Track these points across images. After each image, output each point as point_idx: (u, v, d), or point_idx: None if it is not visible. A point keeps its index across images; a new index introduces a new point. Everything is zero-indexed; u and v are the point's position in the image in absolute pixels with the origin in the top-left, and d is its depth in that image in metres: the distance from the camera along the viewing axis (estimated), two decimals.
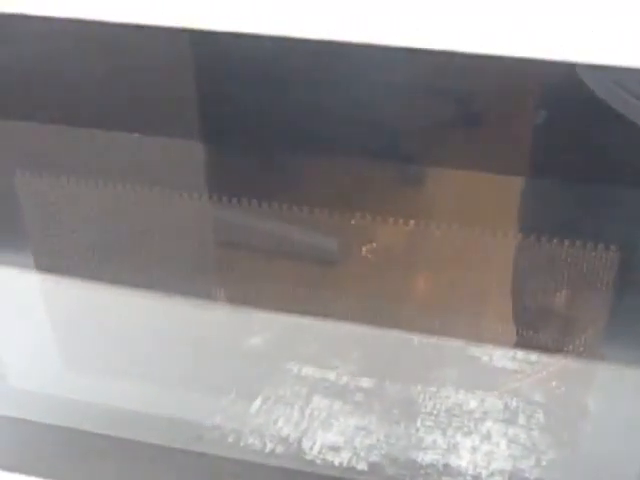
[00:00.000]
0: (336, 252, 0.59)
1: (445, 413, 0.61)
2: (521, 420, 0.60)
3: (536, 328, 0.57)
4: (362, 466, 0.63)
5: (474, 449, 0.61)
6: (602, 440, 0.59)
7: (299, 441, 0.64)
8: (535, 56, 0.42)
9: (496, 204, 0.52)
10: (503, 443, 0.61)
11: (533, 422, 0.60)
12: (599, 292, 0.52)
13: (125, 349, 0.68)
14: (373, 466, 0.63)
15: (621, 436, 0.57)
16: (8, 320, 0.70)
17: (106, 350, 0.69)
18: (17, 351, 0.71)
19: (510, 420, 0.60)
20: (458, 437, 0.62)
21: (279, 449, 0.65)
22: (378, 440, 0.63)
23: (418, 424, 0.62)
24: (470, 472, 0.61)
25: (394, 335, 0.60)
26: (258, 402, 0.65)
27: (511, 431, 0.60)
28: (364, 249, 0.58)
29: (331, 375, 0.64)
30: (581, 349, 0.56)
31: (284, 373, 0.64)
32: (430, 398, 0.62)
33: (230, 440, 0.65)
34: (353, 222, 0.54)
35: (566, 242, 0.50)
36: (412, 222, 0.53)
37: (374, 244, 0.57)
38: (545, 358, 0.58)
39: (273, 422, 0.65)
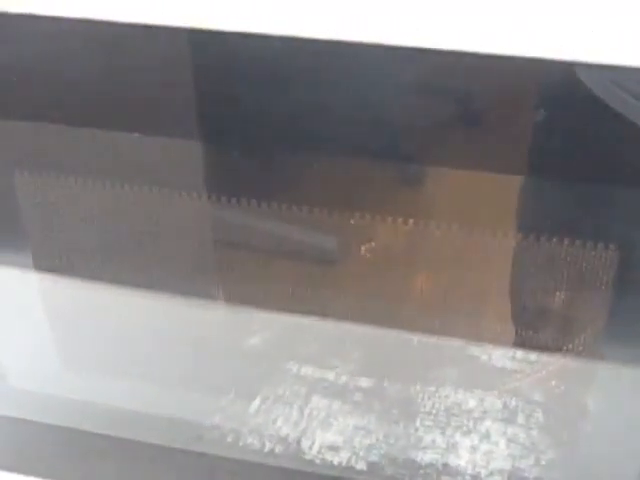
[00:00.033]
0: (335, 252, 0.59)
1: (444, 413, 0.61)
2: (520, 419, 0.60)
3: (535, 327, 0.57)
4: (361, 466, 0.63)
5: (473, 448, 0.61)
6: (601, 439, 0.59)
7: (298, 441, 0.64)
8: (534, 55, 0.42)
9: (495, 204, 0.52)
10: (502, 442, 0.61)
11: (532, 421, 0.60)
12: (598, 291, 0.52)
13: (124, 349, 0.68)
14: (372, 466, 0.63)
15: (620, 435, 0.57)
16: (7, 320, 0.70)
17: (105, 350, 0.69)
18: (16, 351, 0.71)
19: (509, 419, 0.60)
20: (457, 436, 0.62)
21: (278, 449, 0.65)
22: (377, 440, 0.63)
23: (417, 424, 0.62)
24: (469, 471, 0.61)
25: (393, 335, 0.60)
26: (257, 402, 0.65)
27: (510, 430, 0.60)
28: (363, 249, 0.58)
29: (330, 375, 0.64)
30: (580, 348, 0.56)
31: (283, 373, 0.64)
32: (429, 398, 0.62)
33: (229, 440, 0.65)
34: (352, 222, 0.54)
35: (565, 241, 0.50)
36: (411, 222, 0.53)
37: (373, 244, 0.57)
38: (544, 357, 0.58)
39: (272, 422, 0.65)
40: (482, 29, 0.42)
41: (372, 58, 0.46)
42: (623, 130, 0.44)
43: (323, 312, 0.60)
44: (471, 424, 0.61)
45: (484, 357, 0.59)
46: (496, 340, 0.58)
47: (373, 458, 0.63)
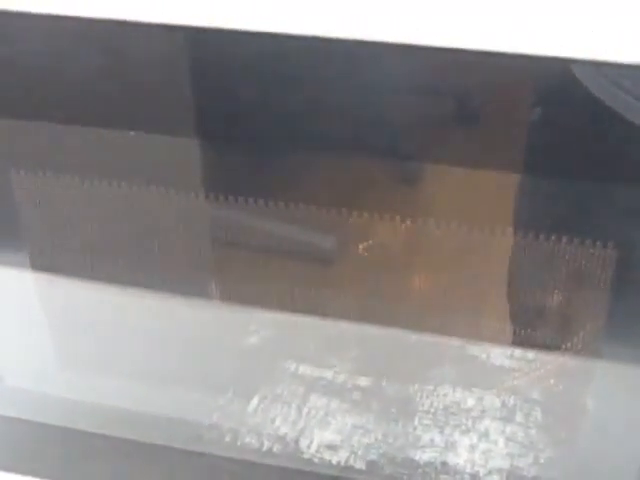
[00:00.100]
0: (334, 250, 0.59)
1: (443, 411, 0.61)
2: (519, 418, 0.60)
3: (534, 326, 0.57)
4: (360, 465, 0.63)
5: (472, 447, 0.61)
6: (600, 438, 0.59)
7: (296, 440, 0.64)
8: (533, 52, 0.42)
9: (494, 202, 0.52)
10: (501, 441, 0.61)
11: (531, 420, 0.60)
12: (596, 290, 0.52)
13: (121, 348, 0.68)
14: (371, 465, 0.63)
15: (618, 433, 0.57)
16: (3, 319, 0.70)
17: (103, 349, 0.68)
18: (13, 350, 0.71)
19: (508, 418, 0.60)
20: (456, 435, 0.62)
21: (277, 448, 0.65)
22: (376, 439, 0.63)
23: (416, 422, 0.62)
24: (468, 470, 0.61)
25: (391, 333, 0.60)
26: (256, 401, 0.65)
27: (509, 429, 0.60)
28: (361, 247, 0.57)
29: (329, 374, 0.64)
30: (579, 347, 0.56)
31: (282, 372, 0.64)
32: (428, 396, 0.62)
33: (227, 439, 0.65)
34: (350, 220, 0.54)
35: (563, 240, 0.50)
36: (409, 220, 0.53)
37: (371, 242, 0.57)
38: (543, 356, 0.58)
39: (271, 421, 0.65)
40: (479, 26, 0.42)
41: (369, 56, 0.46)
42: (620, 128, 0.44)
43: (321, 311, 0.60)
44: (470, 423, 0.61)
45: (483, 356, 0.59)
46: (494, 339, 0.58)
47: (372, 457, 0.63)
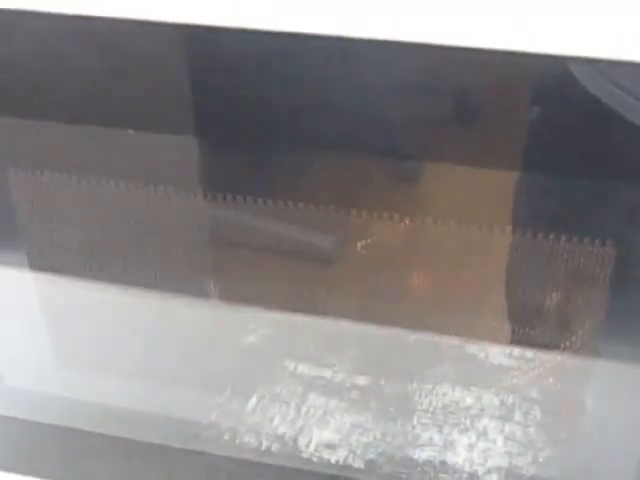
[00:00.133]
0: (333, 250, 0.59)
1: (441, 410, 0.61)
2: (518, 417, 0.60)
3: (532, 325, 0.57)
4: (358, 464, 0.63)
5: (470, 446, 0.61)
6: (598, 437, 0.59)
7: (295, 439, 0.64)
8: (530, 51, 0.42)
9: (493, 201, 0.52)
10: (499, 440, 0.61)
11: (530, 419, 0.60)
12: (595, 288, 0.52)
13: (120, 347, 0.68)
14: (369, 464, 0.63)
15: (617, 432, 0.57)
16: (2, 319, 0.70)
17: (101, 348, 0.68)
18: (11, 350, 0.71)
19: (507, 417, 0.60)
20: (454, 434, 0.62)
21: (275, 447, 0.65)
22: (374, 438, 0.63)
23: (414, 421, 0.62)
24: (466, 469, 0.61)
25: (390, 333, 0.60)
26: (254, 400, 0.65)
27: (508, 428, 0.60)
28: (360, 246, 0.57)
29: (327, 373, 0.64)
30: (577, 346, 0.56)
31: (280, 371, 0.64)
32: (426, 395, 0.62)
33: (226, 438, 0.65)
34: (350, 220, 0.54)
35: (562, 238, 0.50)
36: (409, 219, 0.53)
37: (370, 241, 0.57)
38: (541, 355, 0.58)
39: (269, 420, 0.65)
40: (479, 24, 0.42)
41: (369, 55, 0.46)
42: (618, 127, 0.44)
43: (320, 310, 0.60)
44: (468, 422, 0.61)
45: (481, 355, 0.59)
46: (493, 337, 0.58)
47: (370, 456, 0.63)
